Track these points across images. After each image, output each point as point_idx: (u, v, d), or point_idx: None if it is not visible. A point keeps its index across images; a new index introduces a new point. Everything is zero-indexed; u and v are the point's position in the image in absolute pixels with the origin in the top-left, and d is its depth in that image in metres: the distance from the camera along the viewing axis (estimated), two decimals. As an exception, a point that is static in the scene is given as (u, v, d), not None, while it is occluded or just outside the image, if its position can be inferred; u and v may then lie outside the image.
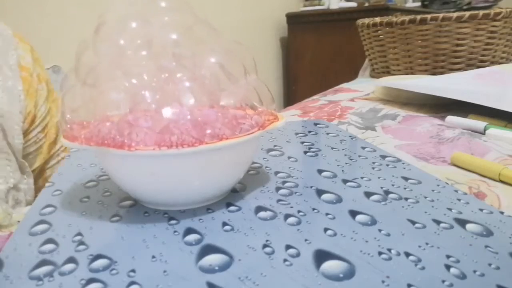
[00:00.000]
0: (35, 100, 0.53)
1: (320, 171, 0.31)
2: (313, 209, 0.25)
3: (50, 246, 0.22)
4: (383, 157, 0.34)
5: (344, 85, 0.84)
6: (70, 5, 1.19)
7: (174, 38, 0.25)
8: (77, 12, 1.21)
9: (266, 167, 0.33)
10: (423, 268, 0.18)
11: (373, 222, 0.23)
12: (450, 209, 0.24)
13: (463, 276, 0.18)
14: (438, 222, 0.23)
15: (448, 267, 0.18)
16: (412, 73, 0.81)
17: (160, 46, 0.25)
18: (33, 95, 0.53)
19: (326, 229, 0.22)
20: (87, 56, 0.25)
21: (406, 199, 0.26)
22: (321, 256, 0.20)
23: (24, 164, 0.52)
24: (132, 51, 0.25)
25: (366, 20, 0.87)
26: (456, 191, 0.27)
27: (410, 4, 2.53)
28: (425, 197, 0.26)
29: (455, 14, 0.73)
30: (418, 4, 2.43)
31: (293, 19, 2.16)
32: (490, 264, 0.19)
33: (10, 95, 0.50)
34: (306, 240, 0.21)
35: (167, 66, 0.25)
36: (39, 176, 0.58)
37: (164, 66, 0.24)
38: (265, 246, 0.21)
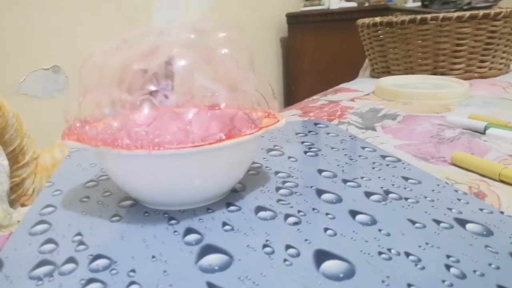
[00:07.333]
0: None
1: (320, 171, 0.31)
2: (313, 209, 0.25)
3: (50, 246, 0.22)
4: (383, 157, 0.34)
5: (344, 85, 0.84)
6: (70, 5, 1.19)
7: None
8: (77, 12, 1.21)
9: (266, 167, 0.33)
10: (423, 268, 0.18)
11: (373, 222, 0.23)
12: (450, 209, 0.24)
13: (463, 276, 0.18)
14: (438, 222, 0.23)
15: (448, 267, 0.18)
16: (412, 73, 0.81)
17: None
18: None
19: (326, 229, 0.22)
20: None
21: (406, 199, 0.26)
22: (321, 256, 0.20)
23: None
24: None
25: (366, 20, 0.87)
26: (456, 191, 0.27)
27: (410, 4, 2.53)
28: (425, 197, 0.26)
29: (455, 14, 0.73)
30: (418, 4, 2.43)
31: (293, 19, 2.16)
32: (490, 264, 0.19)
33: None
34: (306, 240, 0.21)
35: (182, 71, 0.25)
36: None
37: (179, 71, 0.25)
38: (265, 246, 0.21)
